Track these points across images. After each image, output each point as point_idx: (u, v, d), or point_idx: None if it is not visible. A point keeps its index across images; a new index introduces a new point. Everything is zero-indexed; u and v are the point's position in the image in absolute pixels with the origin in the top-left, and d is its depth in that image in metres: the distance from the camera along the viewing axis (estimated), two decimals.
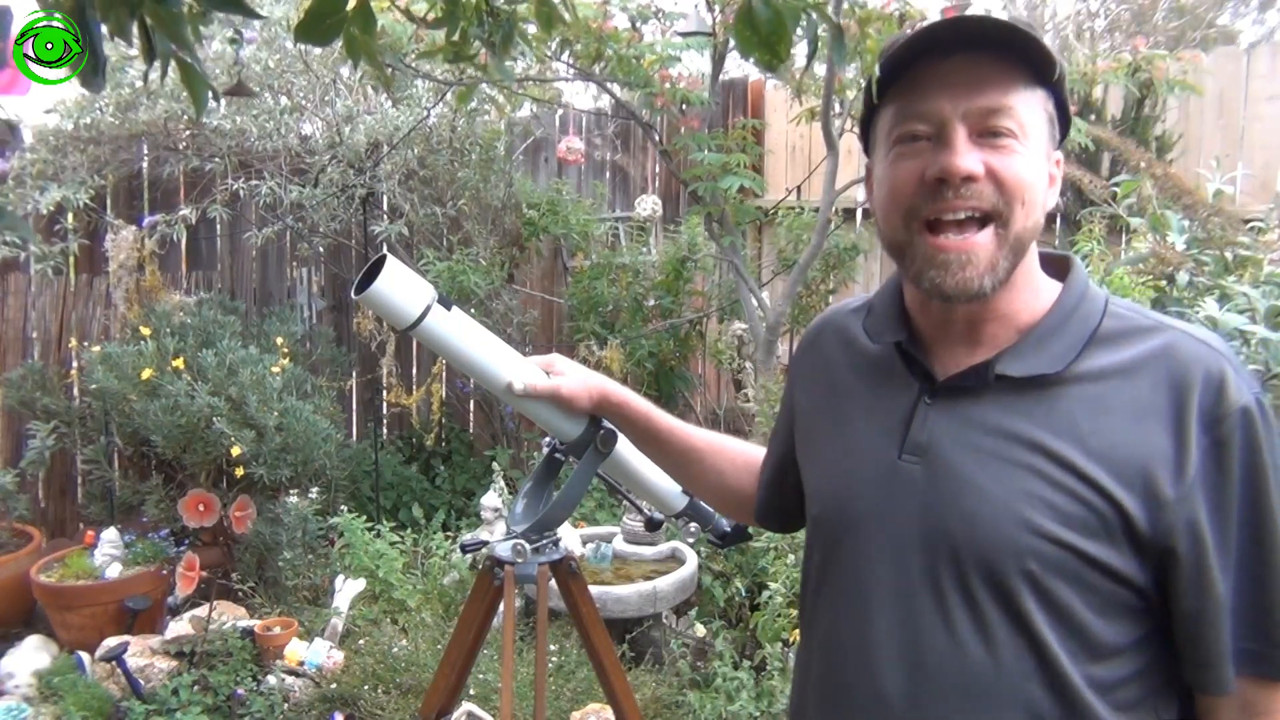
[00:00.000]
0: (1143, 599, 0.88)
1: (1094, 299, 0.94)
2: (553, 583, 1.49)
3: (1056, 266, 0.99)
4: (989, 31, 0.87)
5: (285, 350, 3.84)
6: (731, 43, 3.97)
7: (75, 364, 3.99)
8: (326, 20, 1.06)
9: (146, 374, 3.45)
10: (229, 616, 3.24)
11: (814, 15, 0.97)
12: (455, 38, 1.26)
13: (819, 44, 1.02)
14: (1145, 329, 0.91)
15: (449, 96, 4.06)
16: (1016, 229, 0.90)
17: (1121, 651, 0.89)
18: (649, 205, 4.65)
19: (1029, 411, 0.90)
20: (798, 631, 2.85)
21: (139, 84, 3.70)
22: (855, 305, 1.12)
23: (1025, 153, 0.89)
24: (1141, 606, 0.88)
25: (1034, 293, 0.95)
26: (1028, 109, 0.90)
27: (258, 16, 1.08)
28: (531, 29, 1.51)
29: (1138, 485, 0.85)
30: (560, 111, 4.95)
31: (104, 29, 0.98)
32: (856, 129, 4.03)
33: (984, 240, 0.89)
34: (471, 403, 4.92)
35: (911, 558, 0.92)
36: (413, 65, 3.55)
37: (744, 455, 1.32)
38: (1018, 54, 0.88)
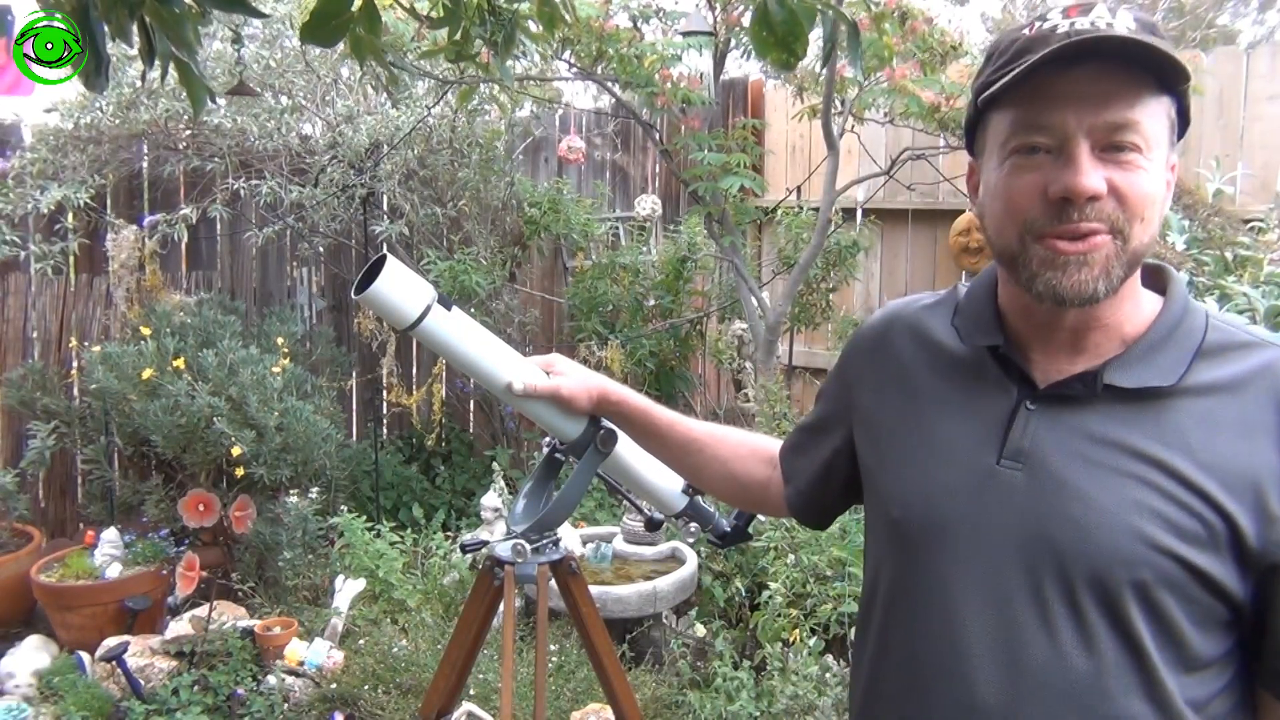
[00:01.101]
0: (1237, 612, 0.88)
1: (1196, 312, 0.94)
2: (553, 583, 1.49)
3: (1153, 277, 0.98)
4: (1120, 46, 0.84)
5: (285, 350, 3.84)
6: (733, 42, 3.97)
7: (75, 364, 3.98)
8: (332, 21, 1.07)
9: (147, 374, 3.44)
10: (229, 616, 3.24)
11: (830, 14, 0.97)
12: (457, 37, 1.26)
13: (834, 43, 1.02)
14: (1248, 344, 0.91)
15: (449, 96, 4.06)
16: (1134, 244, 0.88)
17: (1213, 664, 0.89)
18: (649, 205, 4.65)
19: (1138, 422, 0.89)
20: (798, 631, 2.85)
21: (139, 83, 3.70)
22: (928, 302, 1.09)
23: (1149, 167, 0.87)
24: (1234, 619, 0.88)
25: (1136, 304, 0.94)
26: (1153, 120, 0.87)
27: (261, 15, 1.08)
28: (533, 26, 1.51)
29: (1248, 499, 0.85)
30: (560, 111, 4.95)
31: (105, 29, 0.98)
32: (858, 129, 4.01)
33: (1101, 241, 0.87)
34: (471, 403, 4.92)
35: (1010, 565, 0.91)
36: (415, 64, 3.55)
37: (747, 444, 1.32)
38: (1146, 64, 0.85)
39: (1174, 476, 0.86)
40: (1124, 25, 0.85)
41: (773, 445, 1.30)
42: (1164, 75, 0.86)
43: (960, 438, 0.97)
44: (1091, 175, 0.85)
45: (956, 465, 0.96)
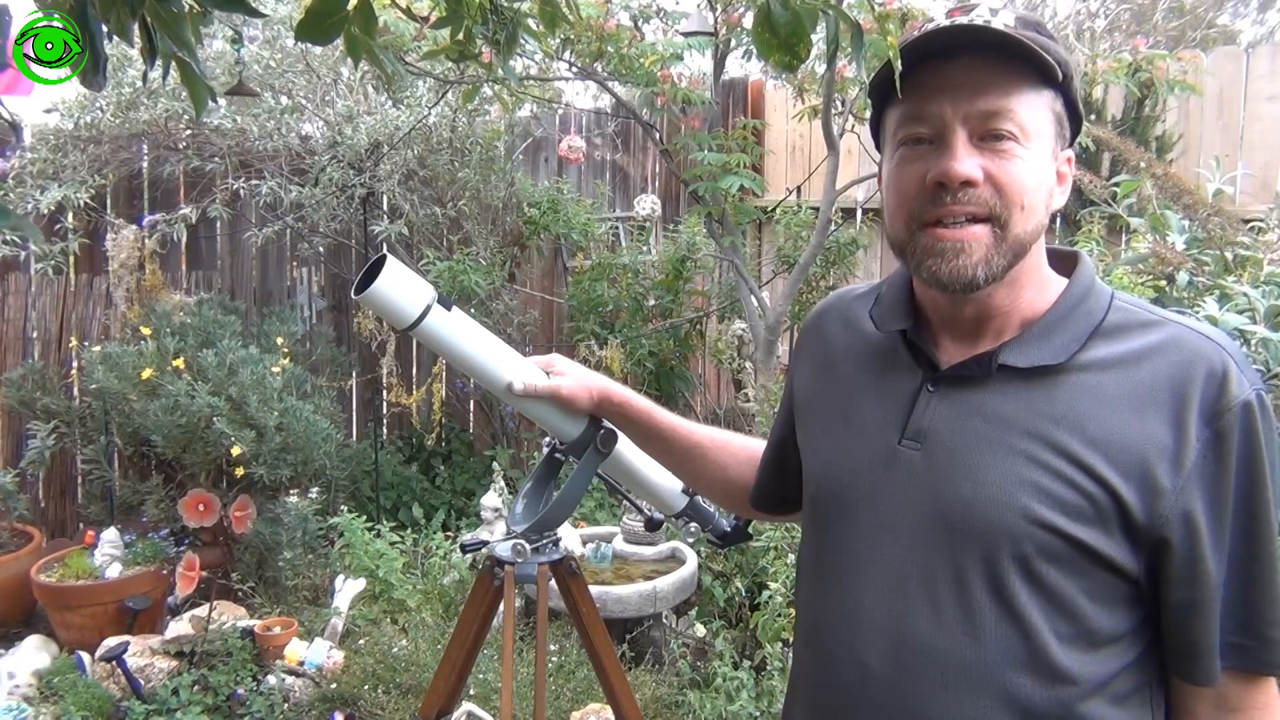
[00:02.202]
0: (1136, 588, 0.89)
1: (1099, 294, 0.95)
2: (553, 583, 1.49)
3: (1064, 262, 0.99)
4: (989, 37, 0.88)
5: (285, 350, 3.84)
6: (733, 42, 3.97)
7: (75, 364, 3.99)
8: (328, 19, 1.06)
9: (146, 374, 3.44)
10: (229, 616, 3.24)
11: (832, 15, 0.97)
12: (460, 36, 1.26)
13: (838, 44, 1.02)
14: (1149, 323, 0.92)
15: (449, 96, 4.06)
16: (1015, 231, 0.90)
17: (1118, 639, 0.89)
18: (649, 205, 4.65)
19: (1030, 400, 0.91)
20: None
21: (139, 83, 3.70)
22: (861, 291, 1.12)
23: (1027, 156, 0.90)
24: (1135, 595, 0.89)
25: (1039, 289, 0.96)
26: (1031, 111, 0.90)
27: (260, 15, 1.08)
28: (534, 25, 1.51)
29: (1135, 474, 0.86)
30: (560, 111, 4.95)
31: (104, 28, 0.98)
32: (858, 129, 4.02)
33: (979, 232, 0.90)
34: (471, 403, 4.92)
35: (905, 542, 0.93)
36: (414, 65, 3.55)
37: (746, 449, 1.33)
38: (1021, 57, 0.88)
39: (1061, 453, 0.88)
40: (1001, 23, 0.88)
41: None
42: (1044, 70, 0.89)
43: (869, 419, 1.00)
44: (965, 161, 0.89)
45: (863, 445, 0.99)
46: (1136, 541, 0.87)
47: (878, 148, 1.02)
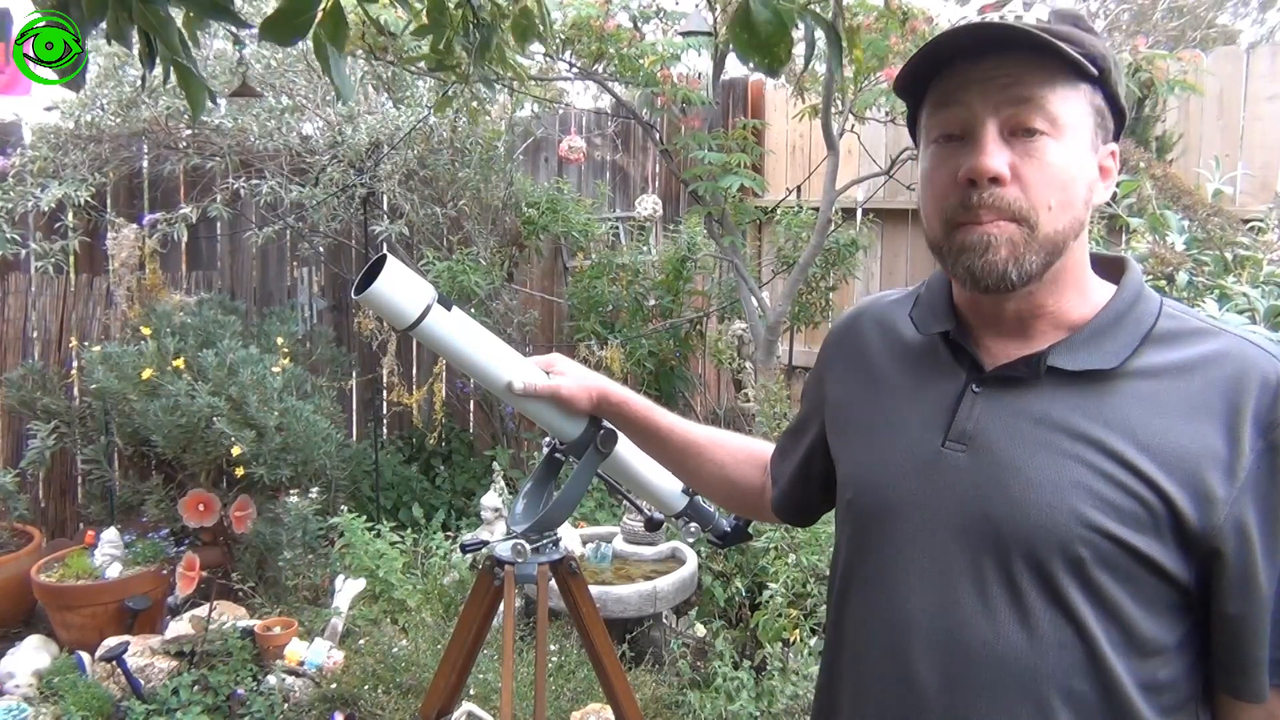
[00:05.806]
0: (1186, 597, 0.87)
1: (1149, 300, 0.94)
2: (553, 583, 1.49)
3: (1110, 268, 0.98)
4: (1018, 36, 0.87)
5: (285, 350, 3.84)
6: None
7: (75, 364, 3.98)
8: (295, 19, 1.05)
9: (147, 374, 3.44)
10: (229, 616, 3.24)
11: (810, 19, 0.96)
12: (440, 47, 1.25)
13: (815, 46, 1.01)
14: (1202, 331, 0.91)
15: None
16: (1046, 230, 0.89)
17: (1166, 650, 0.88)
18: (649, 205, 4.65)
19: (1080, 404, 0.89)
20: (798, 631, 2.86)
21: (139, 83, 3.70)
22: (895, 297, 1.11)
23: (1060, 151, 0.89)
24: (1184, 603, 0.88)
25: (1083, 293, 0.95)
26: (1066, 104, 0.89)
27: (247, 26, 1.07)
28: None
29: (1188, 482, 0.84)
30: (561, 111, 4.95)
31: (86, 29, 0.98)
32: (858, 129, 4.02)
33: (1006, 227, 0.89)
34: (471, 403, 4.92)
35: (951, 545, 0.91)
36: (415, 66, 3.55)
37: (745, 449, 1.32)
38: (1052, 54, 0.87)
39: (1113, 457, 0.86)
40: (1034, 17, 0.88)
41: (770, 451, 1.30)
42: (1077, 65, 0.88)
43: (910, 421, 0.98)
44: (995, 156, 0.87)
45: (905, 448, 0.98)
46: (1189, 550, 0.85)
47: (915, 145, 1.01)
